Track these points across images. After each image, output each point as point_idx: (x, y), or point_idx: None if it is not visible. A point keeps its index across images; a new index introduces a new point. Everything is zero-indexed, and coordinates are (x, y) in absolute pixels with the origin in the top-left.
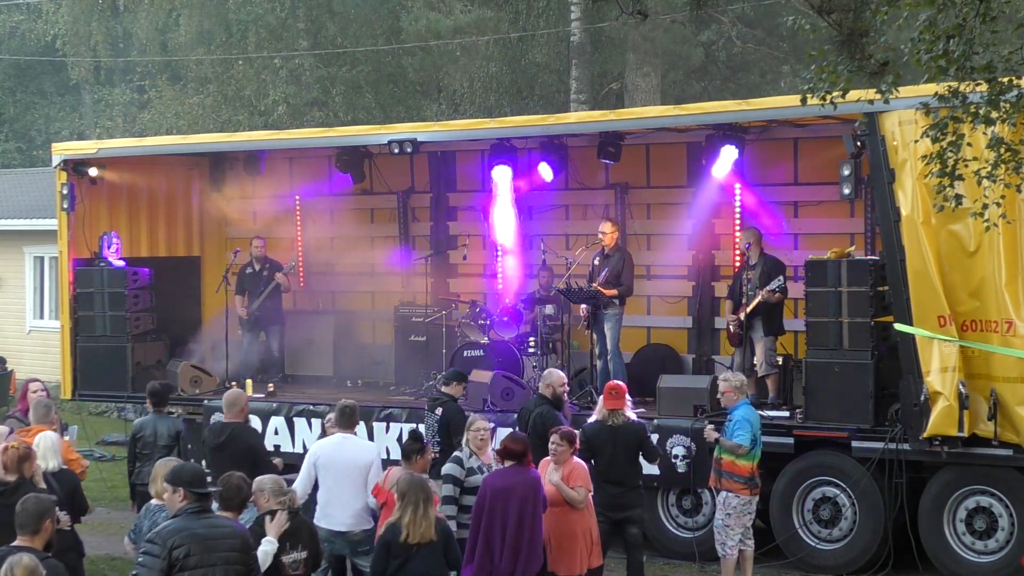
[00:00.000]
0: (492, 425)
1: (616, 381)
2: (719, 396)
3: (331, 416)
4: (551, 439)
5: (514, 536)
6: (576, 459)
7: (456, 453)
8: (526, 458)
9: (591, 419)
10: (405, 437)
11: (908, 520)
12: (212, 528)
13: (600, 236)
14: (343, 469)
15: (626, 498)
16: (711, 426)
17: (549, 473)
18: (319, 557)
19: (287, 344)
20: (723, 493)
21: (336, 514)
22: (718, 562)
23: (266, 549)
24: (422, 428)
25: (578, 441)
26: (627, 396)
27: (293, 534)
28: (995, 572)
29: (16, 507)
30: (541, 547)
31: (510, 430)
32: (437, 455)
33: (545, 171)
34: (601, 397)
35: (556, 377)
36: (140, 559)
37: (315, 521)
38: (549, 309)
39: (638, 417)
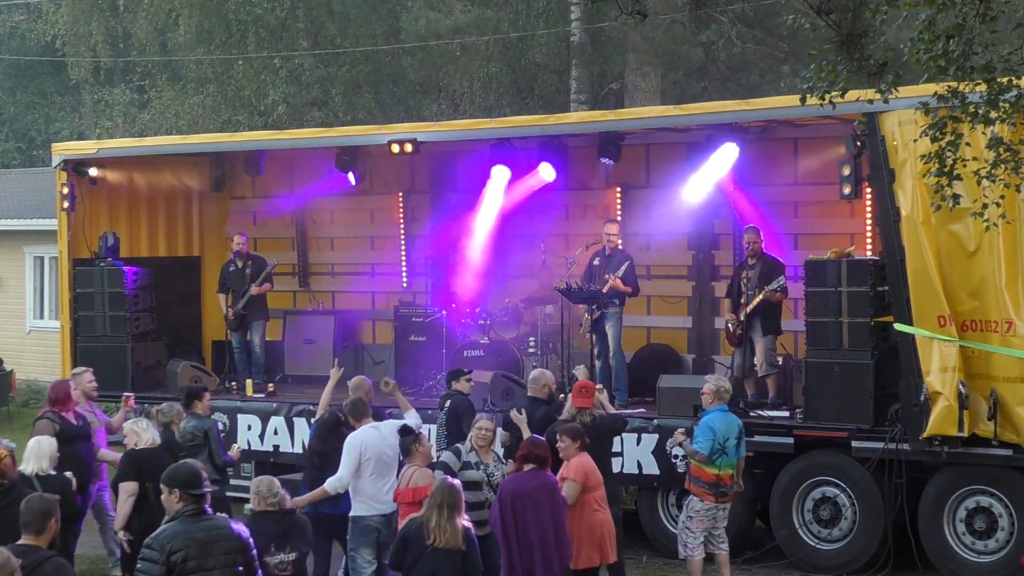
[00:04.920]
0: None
1: (585, 380)
2: (701, 395)
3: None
4: (557, 438)
5: (538, 538)
6: (583, 454)
7: (457, 444)
8: (547, 464)
9: (560, 418)
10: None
11: (908, 520)
12: (210, 531)
13: (609, 238)
14: (387, 454)
15: None
16: (682, 429)
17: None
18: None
19: (286, 343)
20: (689, 495)
21: (387, 498)
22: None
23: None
24: (412, 421)
25: (584, 437)
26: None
27: (283, 535)
28: (995, 572)
29: (21, 507)
30: (568, 545)
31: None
32: (440, 453)
33: (546, 171)
34: (570, 395)
35: (549, 376)
36: (139, 565)
37: (358, 513)
38: (549, 309)
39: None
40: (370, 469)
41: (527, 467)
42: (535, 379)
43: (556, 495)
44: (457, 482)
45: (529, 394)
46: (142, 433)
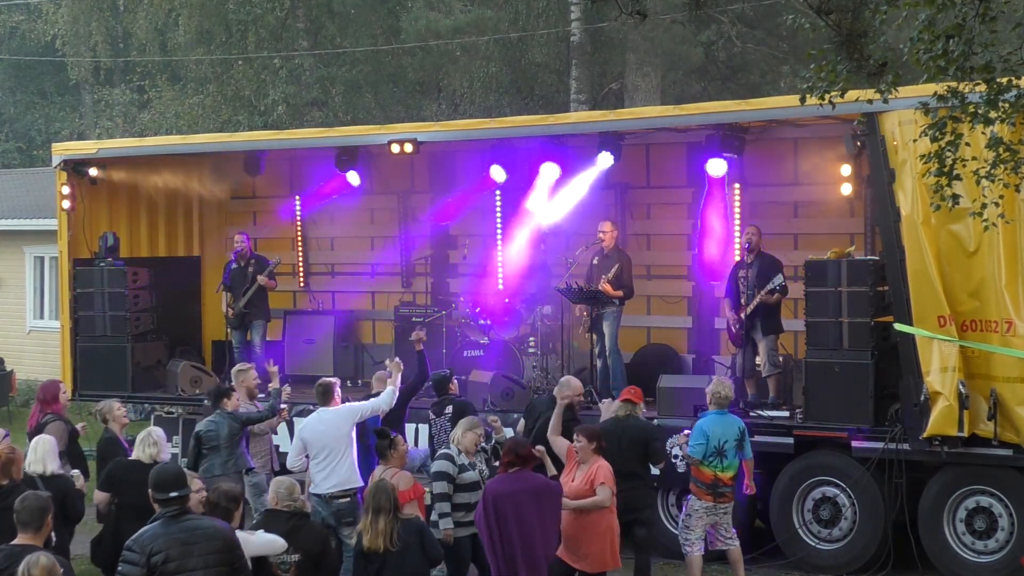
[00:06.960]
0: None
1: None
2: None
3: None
4: (574, 437)
5: (519, 539)
6: (600, 458)
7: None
8: (531, 463)
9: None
10: (407, 437)
11: (908, 520)
12: (192, 531)
13: (600, 236)
14: (328, 439)
15: (635, 498)
16: (685, 432)
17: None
18: (322, 559)
19: (286, 343)
20: (689, 494)
21: (323, 481)
22: (718, 561)
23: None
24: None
25: (602, 440)
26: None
27: (287, 535)
28: (995, 572)
29: (16, 505)
30: (551, 547)
31: (510, 430)
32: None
33: (546, 171)
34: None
35: (573, 388)
36: (120, 567)
37: (310, 491)
38: (548, 309)
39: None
40: (313, 453)
41: (512, 470)
42: (560, 383)
43: (542, 496)
44: (387, 483)
45: (554, 393)
46: (138, 445)
